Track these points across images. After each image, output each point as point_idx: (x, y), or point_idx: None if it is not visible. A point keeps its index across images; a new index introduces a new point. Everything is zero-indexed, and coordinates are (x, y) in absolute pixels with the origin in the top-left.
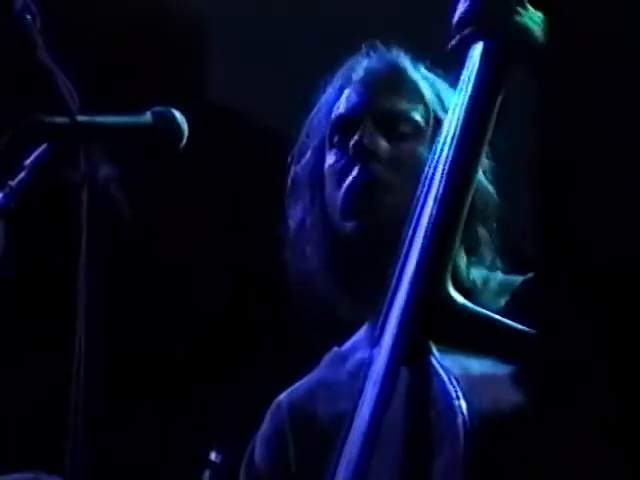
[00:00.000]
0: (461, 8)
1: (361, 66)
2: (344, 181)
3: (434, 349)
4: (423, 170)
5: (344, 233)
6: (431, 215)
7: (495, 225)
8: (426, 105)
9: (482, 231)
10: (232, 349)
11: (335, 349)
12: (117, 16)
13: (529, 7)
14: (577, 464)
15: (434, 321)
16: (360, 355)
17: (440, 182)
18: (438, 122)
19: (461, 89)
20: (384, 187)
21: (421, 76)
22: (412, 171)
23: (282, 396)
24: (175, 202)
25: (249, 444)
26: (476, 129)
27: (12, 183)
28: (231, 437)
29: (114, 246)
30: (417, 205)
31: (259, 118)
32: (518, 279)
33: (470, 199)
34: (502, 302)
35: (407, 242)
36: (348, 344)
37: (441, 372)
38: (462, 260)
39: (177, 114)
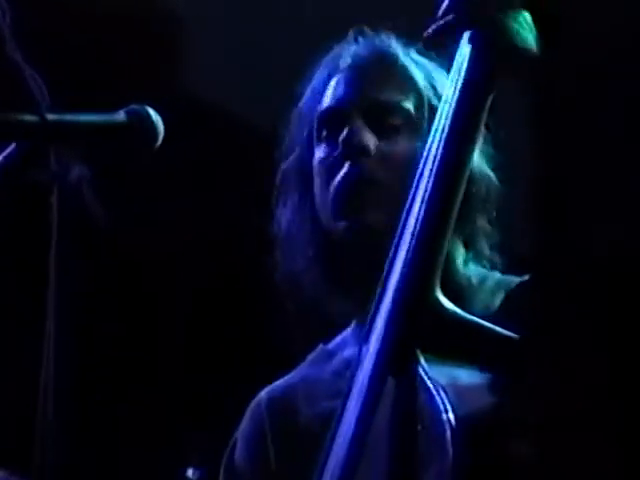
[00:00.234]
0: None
1: (349, 53)
2: (334, 179)
3: (421, 358)
4: (416, 164)
5: (335, 233)
6: (419, 217)
7: (495, 215)
8: (419, 93)
9: (481, 221)
10: (212, 356)
11: (321, 346)
12: (91, 13)
13: (519, 11)
14: (570, 473)
15: (422, 328)
16: (346, 354)
17: (428, 182)
18: (432, 110)
19: (450, 85)
20: (375, 185)
21: (413, 62)
22: (404, 166)
23: (262, 393)
24: (151, 203)
25: (229, 443)
26: (465, 128)
27: None
28: (208, 453)
29: (86, 249)
30: (406, 205)
31: (239, 115)
32: (515, 280)
33: (460, 198)
34: (497, 302)
35: (394, 244)
36: (334, 342)
37: (428, 383)
38: (459, 254)
39: (152, 112)
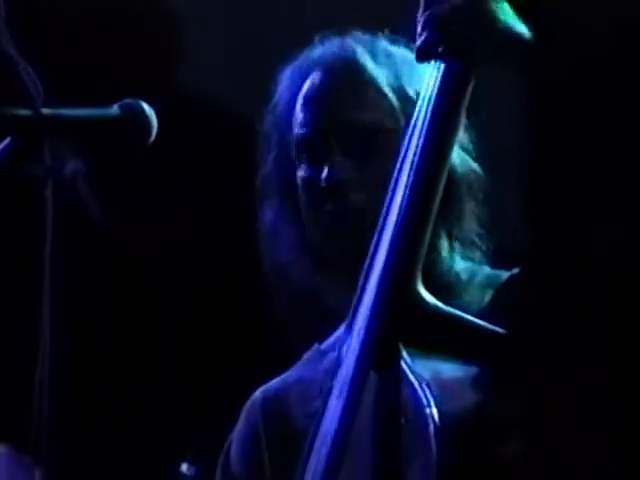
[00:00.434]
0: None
1: (315, 57)
2: (319, 211)
3: (404, 353)
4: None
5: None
6: (399, 212)
7: (480, 205)
8: (390, 104)
9: (466, 211)
10: (206, 355)
11: (316, 346)
12: (85, 7)
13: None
14: (570, 472)
15: (403, 323)
16: (337, 352)
17: (408, 178)
18: (406, 115)
19: (428, 79)
20: (362, 215)
21: (381, 69)
22: (387, 186)
23: (257, 393)
24: (145, 198)
25: (225, 444)
26: (443, 123)
27: None
28: (203, 449)
29: (81, 244)
30: (386, 201)
31: (234, 110)
32: (505, 274)
33: (440, 195)
34: (487, 298)
35: (375, 240)
36: (328, 342)
37: (411, 377)
38: (444, 248)
39: (146, 107)
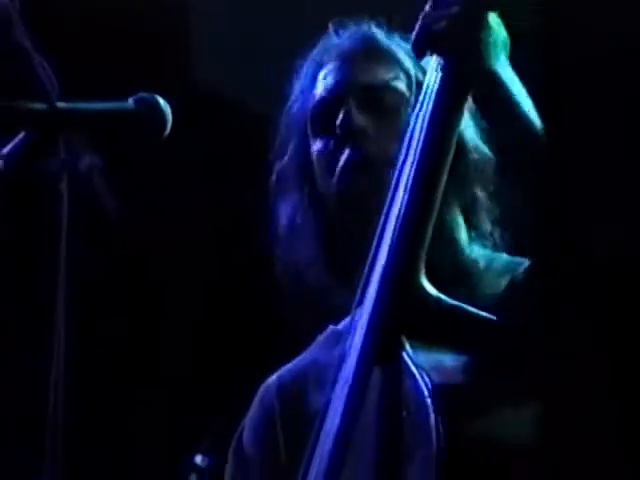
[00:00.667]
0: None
1: (332, 45)
2: (335, 165)
3: (407, 345)
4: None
5: (341, 223)
6: (402, 204)
7: (493, 188)
8: (407, 72)
9: (480, 194)
10: (218, 349)
11: (331, 327)
12: (101, 5)
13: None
14: (570, 472)
15: (406, 316)
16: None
17: (411, 169)
18: (421, 81)
19: (430, 72)
20: (377, 165)
21: (396, 45)
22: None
23: (273, 377)
24: (159, 192)
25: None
26: (445, 115)
27: None
28: (217, 440)
29: (96, 239)
30: (390, 191)
31: (249, 106)
32: (523, 262)
33: (442, 187)
34: (504, 284)
35: (379, 232)
36: (344, 323)
37: (413, 369)
38: (462, 237)
39: (161, 101)
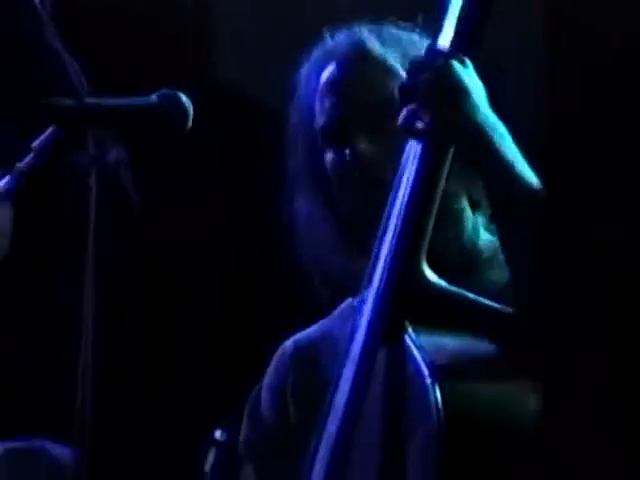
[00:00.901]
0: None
1: (330, 58)
2: (350, 186)
3: (409, 328)
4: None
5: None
6: (404, 196)
7: None
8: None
9: None
10: (236, 341)
11: (349, 300)
12: (123, 5)
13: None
14: (570, 472)
15: (408, 301)
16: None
17: (412, 165)
18: None
19: None
20: (383, 186)
21: (389, 50)
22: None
23: (290, 342)
24: (179, 186)
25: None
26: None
27: (20, 166)
28: (236, 415)
29: (123, 232)
30: (394, 185)
31: (268, 102)
32: None
33: (443, 183)
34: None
35: (383, 223)
36: (361, 297)
37: (415, 352)
38: (468, 221)
39: (183, 97)
